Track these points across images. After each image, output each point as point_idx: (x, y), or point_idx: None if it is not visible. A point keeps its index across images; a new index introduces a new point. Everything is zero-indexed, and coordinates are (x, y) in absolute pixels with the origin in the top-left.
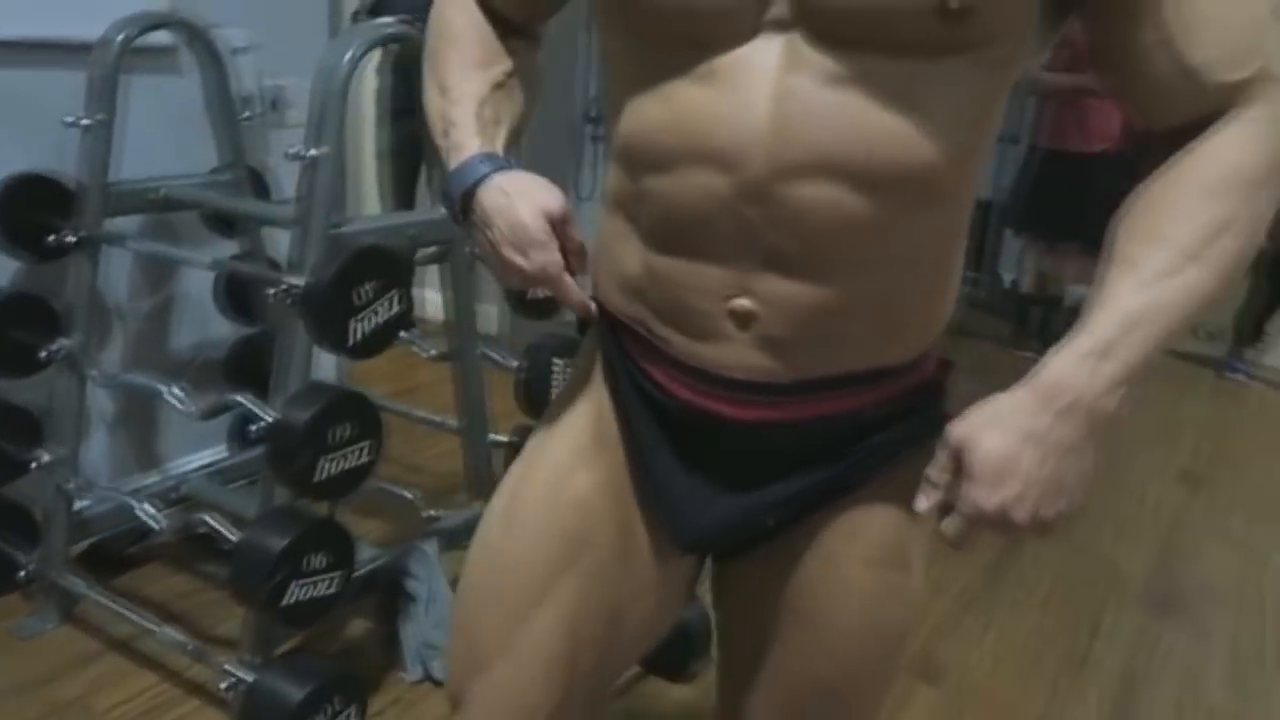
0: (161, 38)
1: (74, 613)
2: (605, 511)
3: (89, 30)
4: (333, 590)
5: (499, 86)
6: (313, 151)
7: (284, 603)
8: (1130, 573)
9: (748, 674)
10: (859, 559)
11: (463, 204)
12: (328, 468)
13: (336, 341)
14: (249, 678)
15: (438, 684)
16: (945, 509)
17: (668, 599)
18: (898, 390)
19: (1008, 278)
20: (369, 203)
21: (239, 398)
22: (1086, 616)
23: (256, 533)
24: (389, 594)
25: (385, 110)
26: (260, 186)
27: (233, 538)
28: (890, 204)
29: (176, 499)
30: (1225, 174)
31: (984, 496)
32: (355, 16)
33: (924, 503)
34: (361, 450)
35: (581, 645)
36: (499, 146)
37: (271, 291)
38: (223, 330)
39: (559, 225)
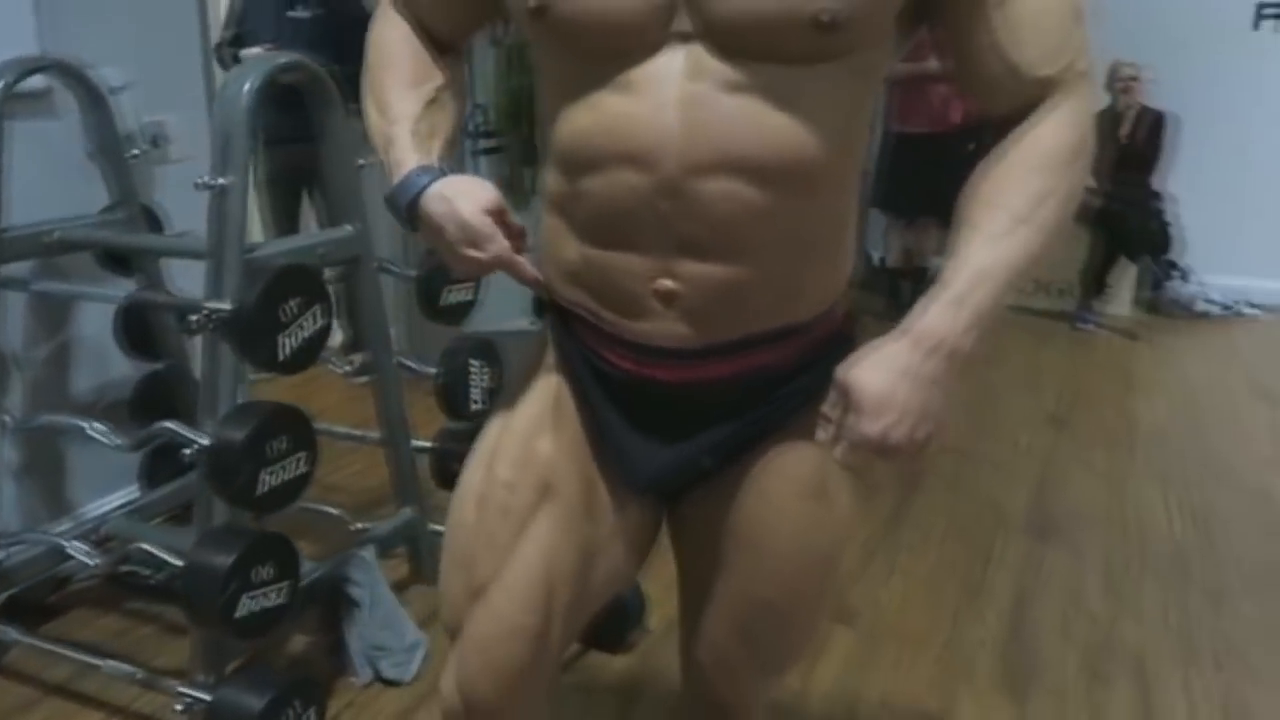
0: (35, 81)
1: (3, 663)
2: (569, 468)
3: None
4: (282, 600)
5: (432, 102)
6: (221, 180)
7: (237, 615)
8: (1011, 508)
9: (703, 600)
10: (789, 493)
11: (409, 214)
12: (268, 481)
13: (267, 359)
14: (206, 696)
15: (388, 684)
16: (840, 440)
17: (630, 546)
18: (807, 343)
19: (876, 255)
20: (253, 232)
21: (167, 424)
22: (978, 549)
23: (202, 552)
24: (331, 602)
25: (262, 141)
26: (153, 222)
27: (175, 562)
28: (783, 193)
29: (98, 540)
30: (1044, 155)
31: (868, 425)
32: (218, 49)
33: (822, 434)
34: (299, 461)
35: (557, 578)
36: (434, 158)
37: (194, 319)
38: (124, 370)
39: (498, 215)
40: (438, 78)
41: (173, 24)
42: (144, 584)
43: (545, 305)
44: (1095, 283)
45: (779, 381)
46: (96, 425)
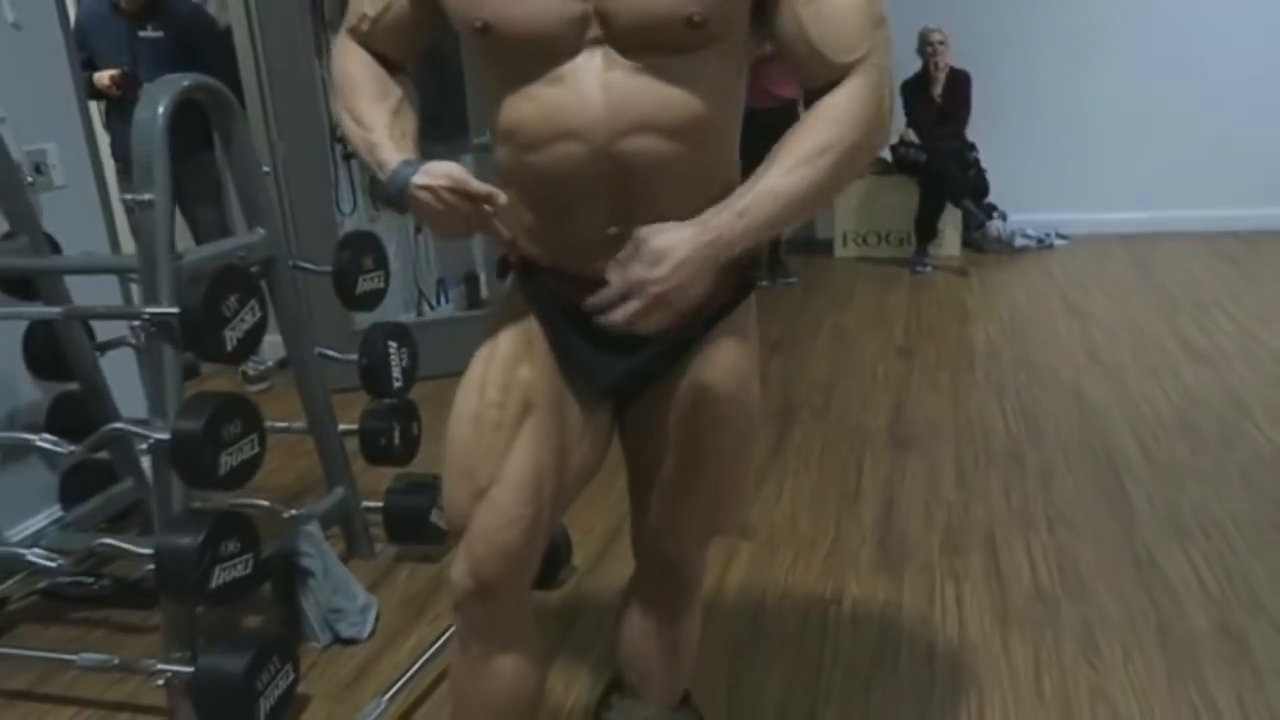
0: None
1: None
2: (544, 386)
3: None
4: (248, 571)
5: (396, 111)
6: (147, 195)
7: (211, 587)
8: (874, 428)
9: (652, 478)
10: (718, 376)
11: (400, 199)
12: (228, 462)
13: (217, 351)
14: (186, 668)
15: (347, 643)
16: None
17: (595, 443)
18: (718, 272)
19: None
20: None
21: (117, 425)
22: (850, 465)
23: (173, 533)
24: (285, 575)
25: (122, 160)
26: (54, 246)
27: (144, 551)
28: (683, 143)
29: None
30: (832, 115)
31: (642, 270)
32: None
33: (613, 275)
34: (252, 442)
35: (544, 474)
36: (411, 152)
37: (135, 325)
38: (33, 395)
39: (463, 184)
40: (397, 91)
41: (44, 55)
42: (89, 592)
43: (509, 263)
44: (928, 229)
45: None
46: (46, 436)
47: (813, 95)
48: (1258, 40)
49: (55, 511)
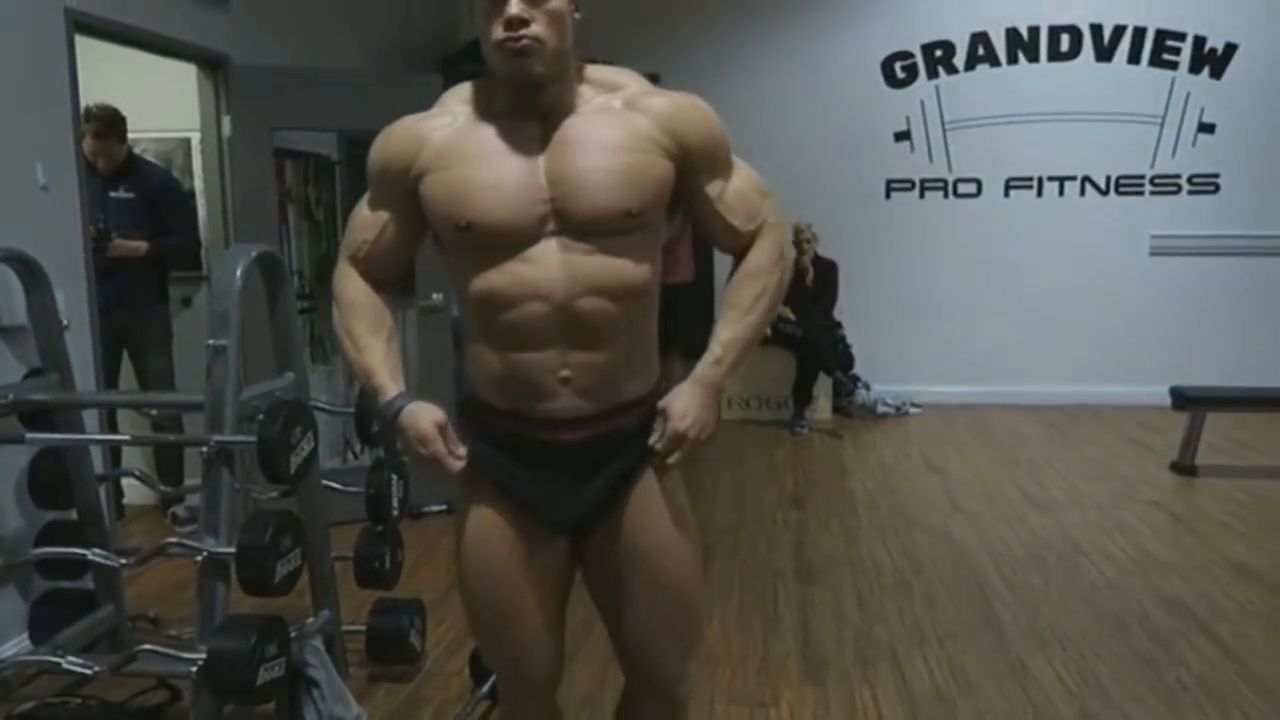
0: None
1: None
2: (517, 547)
3: None
4: (281, 672)
5: (390, 340)
6: (223, 341)
7: (257, 683)
8: (781, 564)
9: (622, 610)
10: (666, 521)
11: (390, 423)
12: (281, 571)
13: (281, 474)
14: None
15: None
16: (662, 437)
17: (566, 571)
18: (644, 411)
19: None
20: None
21: (173, 540)
22: (767, 595)
23: (224, 637)
24: (292, 683)
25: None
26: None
27: (189, 656)
28: (623, 304)
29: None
30: (755, 269)
31: (676, 424)
32: None
33: (654, 438)
34: (297, 554)
35: (548, 620)
36: (403, 385)
37: (204, 450)
38: (17, 525)
39: (442, 428)
40: (388, 320)
41: (64, 213)
42: (77, 712)
43: (470, 409)
44: (804, 395)
45: (633, 434)
46: (97, 551)
47: (734, 255)
48: (1060, 248)
49: (21, 642)
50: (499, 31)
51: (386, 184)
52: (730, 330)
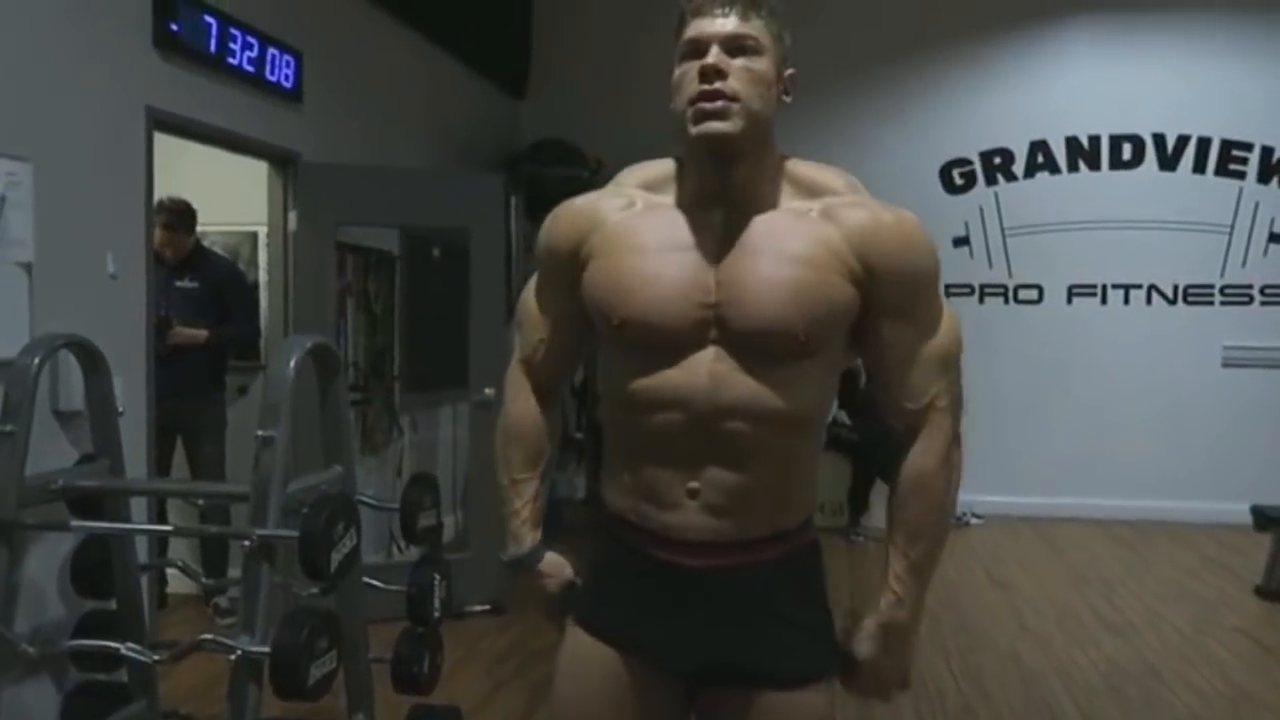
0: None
1: None
2: (620, 679)
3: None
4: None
5: (544, 474)
6: (272, 432)
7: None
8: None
9: None
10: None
11: (515, 566)
12: (315, 674)
13: (322, 572)
14: None
15: None
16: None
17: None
18: (791, 547)
19: None
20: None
21: (207, 636)
22: None
23: None
24: None
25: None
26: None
27: None
28: (776, 431)
29: None
30: (918, 479)
31: (869, 687)
32: None
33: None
34: (333, 656)
35: None
36: (539, 538)
37: (246, 543)
38: (57, 614)
39: (563, 583)
40: (547, 451)
41: (131, 302)
42: None
43: (600, 513)
44: (860, 502)
45: (772, 582)
46: (131, 645)
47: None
48: (1127, 356)
49: None
50: (693, 87)
51: (553, 270)
52: (901, 561)
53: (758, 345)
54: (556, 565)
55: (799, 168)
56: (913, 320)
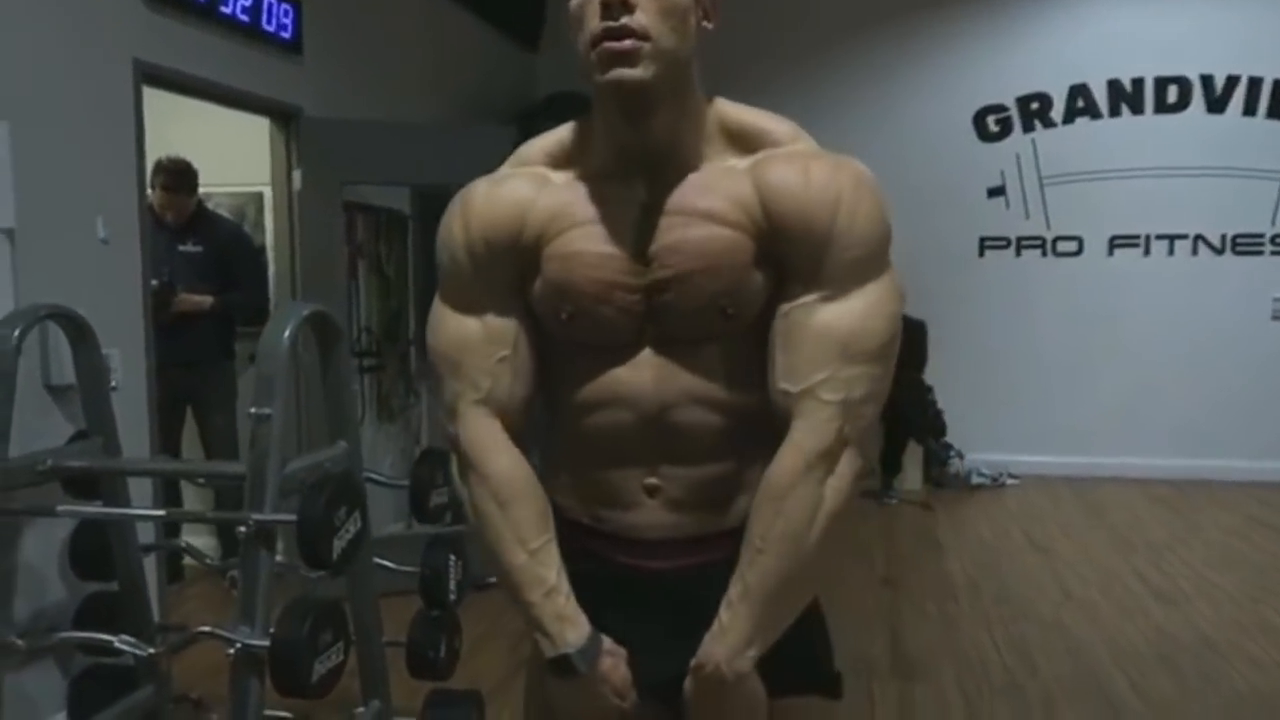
0: None
1: None
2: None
3: None
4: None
5: (557, 547)
6: (266, 410)
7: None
8: (876, 656)
9: None
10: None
11: (564, 664)
12: (319, 669)
13: (324, 560)
14: None
15: None
16: None
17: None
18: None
19: None
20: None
21: (204, 628)
22: (860, 694)
23: None
24: None
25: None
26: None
27: None
28: (728, 418)
29: None
30: (773, 487)
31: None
32: None
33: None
34: (339, 649)
35: None
36: (588, 626)
37: (242, 529)
38: (59, 596)
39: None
40: (548, 505)
41: (124, 268)
42: None
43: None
44: (893, 464)
45: (719, 581)
46: (125, 637)
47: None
48: (1171, 310)
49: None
50: (595, 23)
51: (489, 267)
52: (737, 583)
53: (692, 327)
54: (617, 651)
55: (733, 113)
56: (818, 285)
